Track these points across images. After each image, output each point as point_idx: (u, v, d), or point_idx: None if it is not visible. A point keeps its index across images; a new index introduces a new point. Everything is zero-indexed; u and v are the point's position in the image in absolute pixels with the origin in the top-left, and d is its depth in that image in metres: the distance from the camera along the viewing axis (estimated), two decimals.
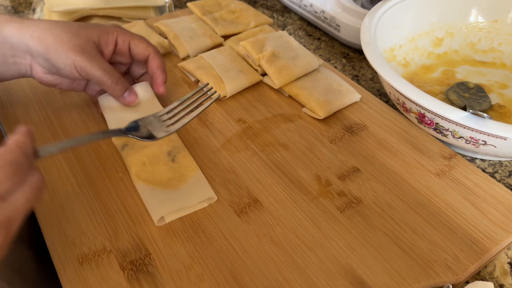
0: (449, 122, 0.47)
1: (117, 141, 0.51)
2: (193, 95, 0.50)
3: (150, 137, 0.46)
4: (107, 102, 0.52)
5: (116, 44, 0.51)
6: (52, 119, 0.55)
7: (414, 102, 0.48)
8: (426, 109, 0.48)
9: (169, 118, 0.48)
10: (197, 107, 0.49)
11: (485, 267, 0.44)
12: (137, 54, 0.52)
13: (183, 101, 0.49)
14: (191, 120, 0.47)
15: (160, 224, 0.44)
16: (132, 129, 0.46)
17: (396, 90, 0.49)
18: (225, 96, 0.59)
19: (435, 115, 0.48)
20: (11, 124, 0.55)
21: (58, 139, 0.52)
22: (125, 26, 0.69)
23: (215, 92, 0.50)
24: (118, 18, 0.75)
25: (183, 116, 0.48)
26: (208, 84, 0.51)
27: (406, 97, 0.49)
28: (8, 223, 0.30)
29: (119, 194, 0.46)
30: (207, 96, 0.50)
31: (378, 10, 0.60)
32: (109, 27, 0.51)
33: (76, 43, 0.47)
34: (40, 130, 0.54)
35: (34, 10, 0.80)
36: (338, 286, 0.39)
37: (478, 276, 0.43)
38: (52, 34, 0.47)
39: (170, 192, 0.45)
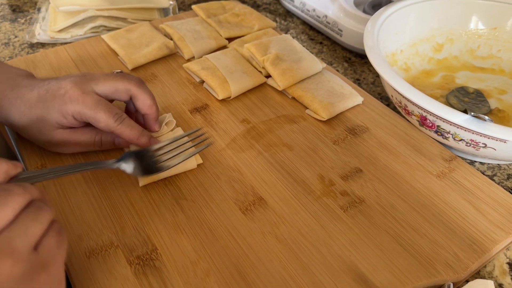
0: (450, 124, 0.48)
1: None
2: (184, 137, 0.49)
3: (138, 173, 0.45)
4: None
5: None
6: None
7: (416, 105, 0.49)
8: (428, 112, 0.49)
9: (159, 156, 0.47)
10: (187, 150, 0.48)
11: (485, 266, 0.45)
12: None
13: (175, 140, 0.48)
14: (178, 163, 0.47)
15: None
16: (124, 160, 0.45)
17: (399, 93, 0.50)
18: (230, 97, 0.59)
19: (437, 118, 0.49)
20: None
21: None
22: (131, 26, 0.70)
23: (207, 138, 0.49)
24: (124, 19, 0.76)
25: (171, 158, 0.47)
26: (200, 129, 0.50)
27: (408, 100, 0.50)
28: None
29: (125, 190, 0.47)
30: (200, 140, 0.50)
31: (380, 15, 0.62)
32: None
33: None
34: None
35: (39, 9, 0.81)
36: (342, 282, 0.40)
37: (478, 275, 0.44)
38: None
39: None
